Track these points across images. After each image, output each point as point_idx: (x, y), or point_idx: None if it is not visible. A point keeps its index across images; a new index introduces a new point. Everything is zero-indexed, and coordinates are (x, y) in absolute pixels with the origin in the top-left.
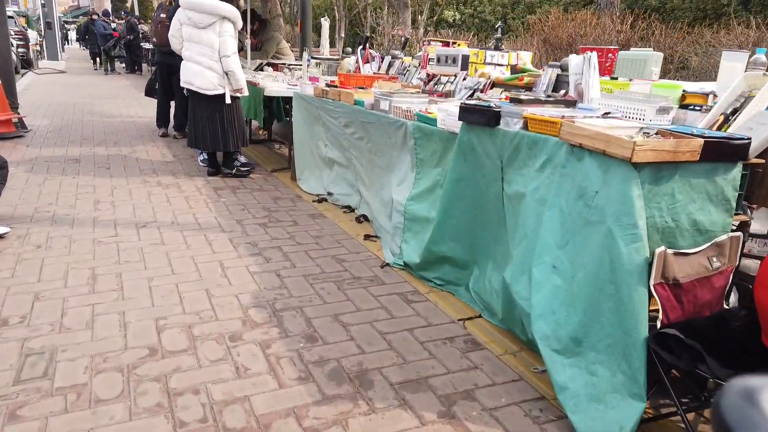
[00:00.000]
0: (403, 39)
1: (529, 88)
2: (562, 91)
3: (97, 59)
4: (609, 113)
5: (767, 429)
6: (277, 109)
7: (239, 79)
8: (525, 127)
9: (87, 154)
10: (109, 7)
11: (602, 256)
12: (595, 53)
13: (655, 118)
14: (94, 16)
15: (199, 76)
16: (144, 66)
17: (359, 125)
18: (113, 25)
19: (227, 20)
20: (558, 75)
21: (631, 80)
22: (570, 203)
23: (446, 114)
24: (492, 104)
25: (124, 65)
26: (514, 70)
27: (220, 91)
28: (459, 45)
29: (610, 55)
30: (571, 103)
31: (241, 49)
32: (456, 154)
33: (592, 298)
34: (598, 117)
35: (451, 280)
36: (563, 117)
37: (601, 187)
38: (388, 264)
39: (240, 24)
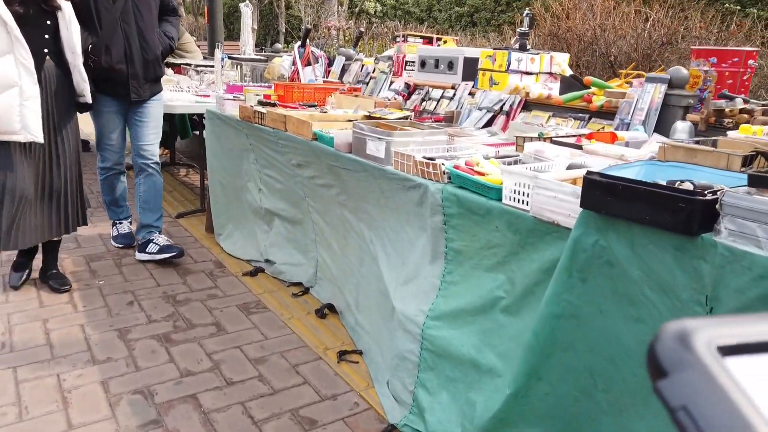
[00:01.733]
0: (355, 33)
1: (608, 113)
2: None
3: None
4: None
5: (698, 369)
6: (180, 121)
7: None
8: None
9: None
10: None
11: None
12: None
13: None
14: None
15: None
16: None
17: (325, 168)
18: None
19: None
20: (667, 95)
21: None
22: None
23: (535, 185)
24: (689, 182)
25: None
26: (572, 83)
27: None
28: (445, 42)
29: (751, 62)
30: None
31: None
32: (564, 269)
33: None
34: None
35: None
36: None
37: None
38: (393, 427)
39: None
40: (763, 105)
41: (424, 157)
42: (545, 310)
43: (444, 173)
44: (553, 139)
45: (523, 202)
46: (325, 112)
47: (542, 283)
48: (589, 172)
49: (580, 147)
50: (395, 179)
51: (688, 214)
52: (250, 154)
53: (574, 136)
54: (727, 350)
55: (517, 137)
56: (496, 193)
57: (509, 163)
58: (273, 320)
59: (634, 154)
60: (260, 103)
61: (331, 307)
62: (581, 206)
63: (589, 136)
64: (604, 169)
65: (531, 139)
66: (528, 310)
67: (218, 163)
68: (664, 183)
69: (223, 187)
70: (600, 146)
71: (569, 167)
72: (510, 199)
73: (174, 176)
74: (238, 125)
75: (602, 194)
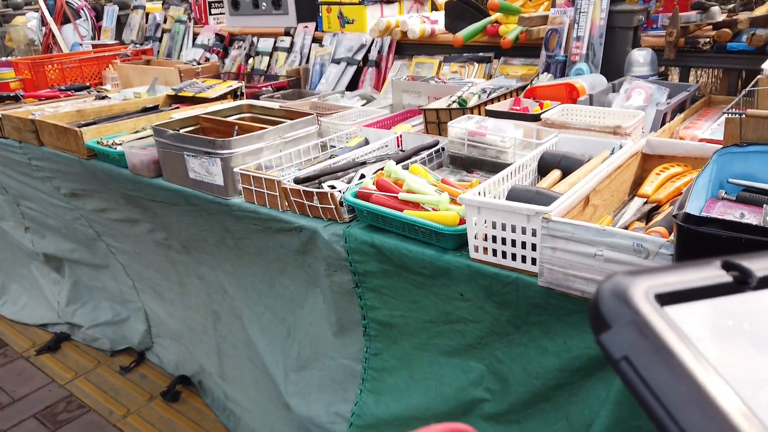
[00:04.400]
0: None
1: (527, 49)
2: None
3: None
4: None
5: (635, 320)
6: None
7: None
8: None
9: None
10: None
11: None
12: None
13: None
14: None
15: None
16: None
17: (120, 199)
18: None
19: None
20: (609, 13)
21: None
22: None
23: (546, 232)
24: None
25: None
26: (463, 10)
27: None
28: None
29: None
30: None
31: None
32: None
33: None
34: None
35: None
36: None
37: None
38: None
39: None
40: (744, 8)
41: (297, 180)
42: None
43: (342, 205)
44: (487, 109)
45: (516, 258)
46: (103, 98)
47: (565, 387)
48: (688, 218)
49: (536, 118)
50: (250, 219)
51: None
52: None
53: (506, 93)
54: (666, 298)
55: (425, 111)
56: (451, 240)
57: (431, 162)
58: (98, 428)
59: (631, 123)
60: None
61: (185, 381)
62: None
63: (531, 93)
64: (692, 198)
65: (450, 112)
66: (540, 422)
67: None
68: None
69: None
70: (563, 111)
71: (544, 161)
72: (485, 252)
73: None
74: None
75: None
